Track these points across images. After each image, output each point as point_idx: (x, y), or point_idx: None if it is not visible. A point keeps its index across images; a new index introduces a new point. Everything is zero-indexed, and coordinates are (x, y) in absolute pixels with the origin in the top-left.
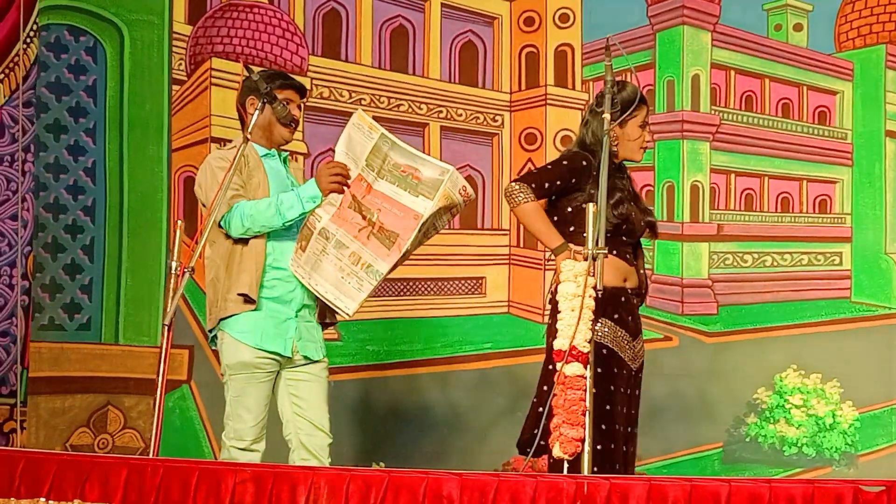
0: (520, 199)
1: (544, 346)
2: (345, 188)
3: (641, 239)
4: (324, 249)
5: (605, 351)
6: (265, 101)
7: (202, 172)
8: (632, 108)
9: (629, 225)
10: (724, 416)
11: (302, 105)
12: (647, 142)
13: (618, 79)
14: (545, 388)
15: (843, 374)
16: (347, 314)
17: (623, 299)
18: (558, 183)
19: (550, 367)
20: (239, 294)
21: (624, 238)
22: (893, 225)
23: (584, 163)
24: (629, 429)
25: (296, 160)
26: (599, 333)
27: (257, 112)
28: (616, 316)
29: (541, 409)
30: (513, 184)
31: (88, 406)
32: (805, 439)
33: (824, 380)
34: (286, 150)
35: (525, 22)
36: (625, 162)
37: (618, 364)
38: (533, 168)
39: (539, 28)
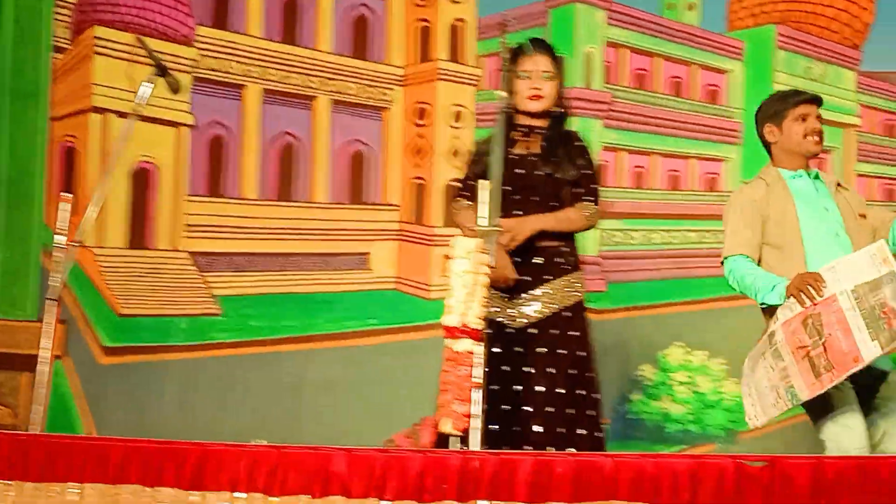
0: (454, 211)
1: (431, 322)
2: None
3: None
4: (764, 352)
5: None
6: (158, 73)
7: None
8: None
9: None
10: (610, 393)
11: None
12: (534, 89)
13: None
14: None
15: (728, 350)
16: (750, 425)
17: None
18: (470, 180)
19: None
20: None
21: (515, 197)
22: None
23: (483, 144)
24: (529, 389)
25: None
26: None
27: (147, 84)
28: None
29: None
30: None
31: None
32: (689, 416)
33: (710, 357)
34: None
35: None
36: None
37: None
38: None
39: (433, 2)
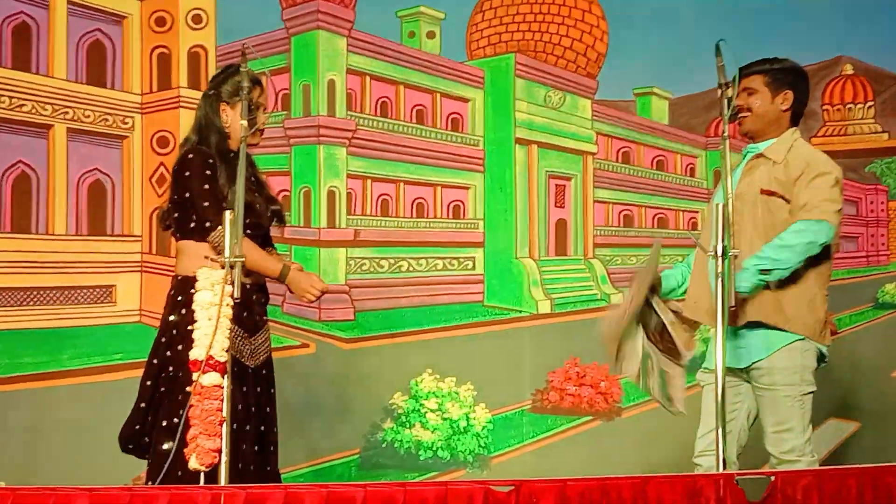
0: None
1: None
2: None
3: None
4: None
5: None
6: None
7: None
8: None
9: (253, 216)
10: (362, 422)
11: None
12: (263, 124)
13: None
14: (147, 383)
15: (476, 377)
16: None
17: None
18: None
19: (155, 360)
20: None
21: (248, 231)
22: (523, 230)
23: (211, 161)
24: (261, 427)
25: None
26: None
27: None
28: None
29: (143, 404)
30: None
31: None
32: (440, 443)
33: (458, 383)
34: None
35: (156, 22)
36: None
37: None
38: (196, 200)
39: (171, 28)
